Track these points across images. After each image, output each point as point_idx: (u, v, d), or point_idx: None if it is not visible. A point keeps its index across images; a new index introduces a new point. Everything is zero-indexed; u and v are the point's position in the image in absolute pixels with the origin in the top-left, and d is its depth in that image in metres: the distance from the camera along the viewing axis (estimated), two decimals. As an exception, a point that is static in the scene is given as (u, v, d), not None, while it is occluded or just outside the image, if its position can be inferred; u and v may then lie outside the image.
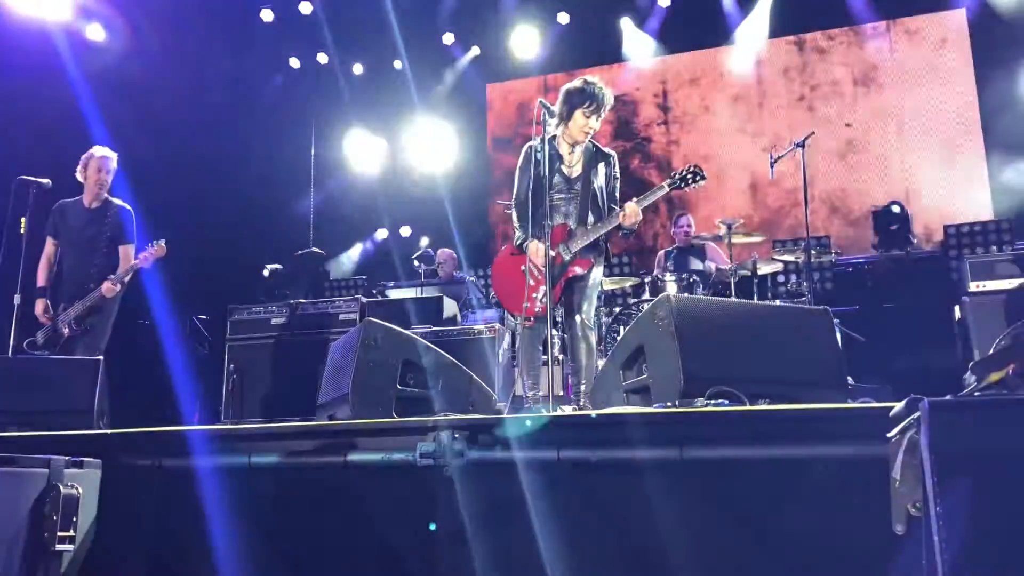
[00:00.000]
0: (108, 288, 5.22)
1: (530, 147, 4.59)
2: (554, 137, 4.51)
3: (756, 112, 9.32)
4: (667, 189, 4.43)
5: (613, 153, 4.68)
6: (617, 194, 4.61)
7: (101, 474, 2.88)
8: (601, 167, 4.58)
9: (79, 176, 5.46)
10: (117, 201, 5.52)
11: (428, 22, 9.01)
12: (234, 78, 8.27)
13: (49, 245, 5.45)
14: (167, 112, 7.65)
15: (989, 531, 1.47)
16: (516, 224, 4.65)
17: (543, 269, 4.27)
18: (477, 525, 2.74)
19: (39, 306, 5.28)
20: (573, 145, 4.53)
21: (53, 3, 7.15)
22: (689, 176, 4.41)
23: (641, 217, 4.38)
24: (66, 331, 5.19)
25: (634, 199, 4.39)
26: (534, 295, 4.39)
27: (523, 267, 4.49)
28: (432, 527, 2.76)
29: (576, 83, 4.48)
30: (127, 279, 5.35)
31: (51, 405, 4.52)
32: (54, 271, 5.40)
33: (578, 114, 4.40)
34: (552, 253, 4.25)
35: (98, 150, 5.50)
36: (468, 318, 6.89)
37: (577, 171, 4.54)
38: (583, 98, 4.39)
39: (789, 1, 8.75)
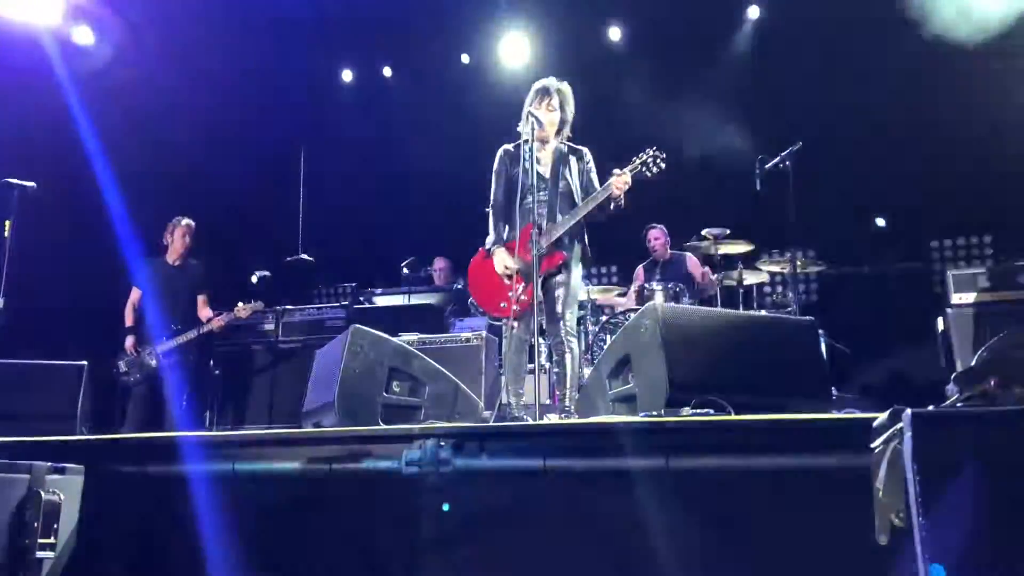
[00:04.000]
0: (218, 323, 6.24)
1: (504, 150, 4.65)
2: (527, 141, 4.49)
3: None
4: (628, 175, 4.34)
5: (585, 149, 4.68)
6: (597, 185, 4.55)
7: (84, 480, 2.85)
8: (573, 162, 4.60)
9: (166, 239, 6.43)
10: (193, 260, 6.51)
11: (419, 29, 9.01)
12: (224, 82, 8.23)
13: (135, 293, 6.37)
14: (156, 115, 7.61)
15: (972, 540, 1.48)
16: (490, 226, 4.66)
17: (511, 274, 4.36)
18: (462, 533, 2.74)
19: (128, 341, 6.20)
20: (544, 144, 4.58)
21: (41, 7, 7.10)
22: (650, 160, 4.35)
23: (630, 183, 4.33)
24: (153, 363, 6.11)
25: (622, 171, 4.35)
26: (509, 294, 4.40)
27: (499, 270, 4.51)
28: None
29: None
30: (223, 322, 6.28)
31: (34, 409, 4.49)
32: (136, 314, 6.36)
33: (534, 111, 4.46)
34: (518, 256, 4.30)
35: (183, 220, 6.44)
36: (455, 326, 6.87)
37: (548, 172, 4.57)
38: (532, 97, 4.55)
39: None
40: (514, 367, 4.45)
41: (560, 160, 4.58)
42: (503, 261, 4.46)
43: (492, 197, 4.68)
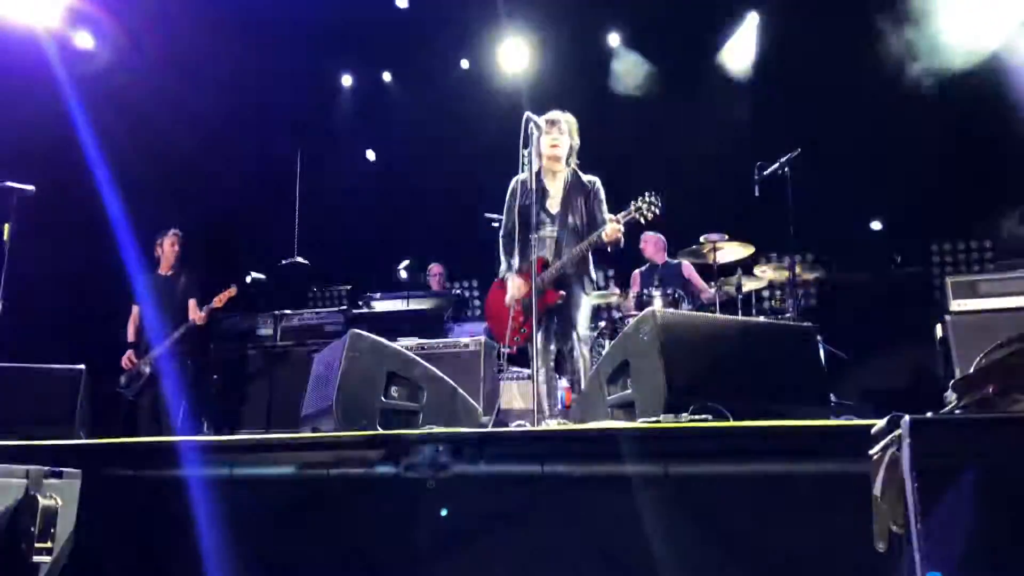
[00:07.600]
0: (200, 317, 6.28)
1: (516, 182, 4.66)
2: (540, 170, 4.56)
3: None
4: (620, 223, 4.37)
5: (594, 179, 4.69)
6: (603, 215, 4.58)
7: (81, 484, 2.85)
8: (580, 201, 4.62)
9: (157, 252, 6.63)
10: (186, 268, 6.65)
11: (418, 34, 9.02)
12: (223, 86, 8.24)
13: (135, 310, 6.54)
14: (155, 119, 7.61)
15: (971, 547, 1.48)
16: (501, 255, 4.80)
17: (520, 301, 4.51)
18: (460, 538, 2.74)
19: (126, 356, 6.34)
20: (555, 175, 4.64)
21: (41, 10, 7.11)
22: (645, 206, 4.36)
23: (623, 231, 4.41)
24: (147, 369, 6.22)
25: (615, 217, 4.40)
26: (511, 324, 4.57)
27: (506, 301, 4.66)
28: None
29: None
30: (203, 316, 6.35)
31: (32, 413, 4.49)
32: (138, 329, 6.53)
33: (536, 140, 4.38)
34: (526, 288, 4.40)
35: (171, 231, 6.63)
36: (454, 331, 6.87)
37: (557, 207, 4.63)
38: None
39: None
40: (548, 379, 4.64)
41: (570, 193, 4.63)
42: (517, 286, 4.57)
43: (504, 227, 4.76)
